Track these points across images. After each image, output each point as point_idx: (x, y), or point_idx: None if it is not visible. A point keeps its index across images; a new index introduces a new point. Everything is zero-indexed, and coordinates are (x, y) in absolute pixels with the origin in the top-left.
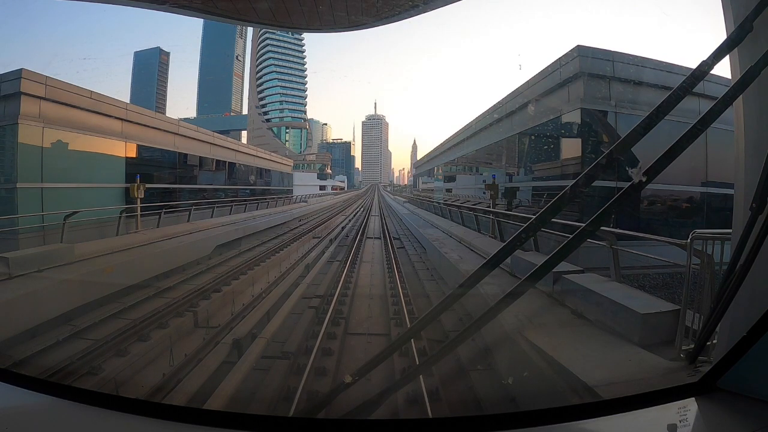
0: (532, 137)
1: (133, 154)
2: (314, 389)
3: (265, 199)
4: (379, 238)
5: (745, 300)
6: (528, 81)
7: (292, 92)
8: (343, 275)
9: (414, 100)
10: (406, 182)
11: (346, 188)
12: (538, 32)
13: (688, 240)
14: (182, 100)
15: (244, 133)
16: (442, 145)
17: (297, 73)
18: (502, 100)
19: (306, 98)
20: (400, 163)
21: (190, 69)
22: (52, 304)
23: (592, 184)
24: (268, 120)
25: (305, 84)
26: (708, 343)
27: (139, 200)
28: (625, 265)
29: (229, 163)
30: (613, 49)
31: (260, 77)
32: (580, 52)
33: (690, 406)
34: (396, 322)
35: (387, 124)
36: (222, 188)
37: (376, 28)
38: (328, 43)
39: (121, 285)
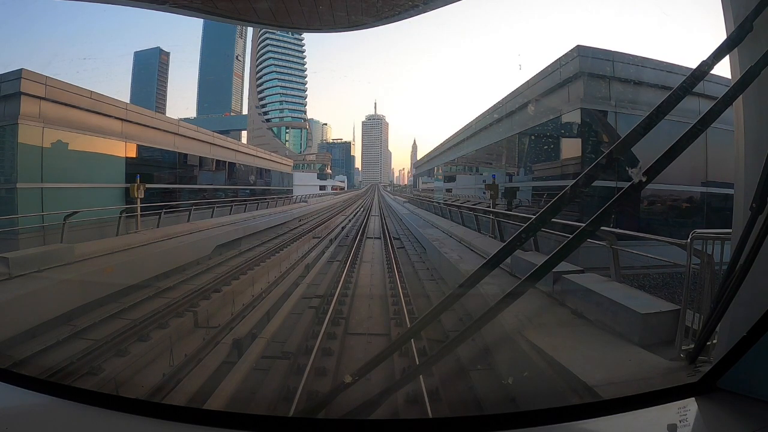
0: (532, 137)
1: (133, 154)
2: (314, 389)
3: (265, 199)
4: (379, 238)
5: (745, 300)
6: (528, 81)
7: (292, 92)
8: (343, 275)
9: (414, 100)
10: (406, 182)
11: (346, 188)
12: (538, 32)
13: (688, 240)
14: (182, 100)
15: (244, 133)
16: (442, 145)
17: (297, 73)
18: (502, 100)
19: (306, 98)
20: (400, 163)
21: (190, 69)
22: (52, 304)
23: (592, 184)
24: (268, 120)
25: (305, 84)
26: (708, 343)
27: (139, 200)
28: (625, 265)
29: (229, 163)
30: (613, 49)
31: (260, 77)
32: (580, 52)
33: (690, 406)
34: (396, 322)
35: (387, 124)
36: (222, 188)
37: (376, 28)
38: (328, 43)
39: (121, 285)
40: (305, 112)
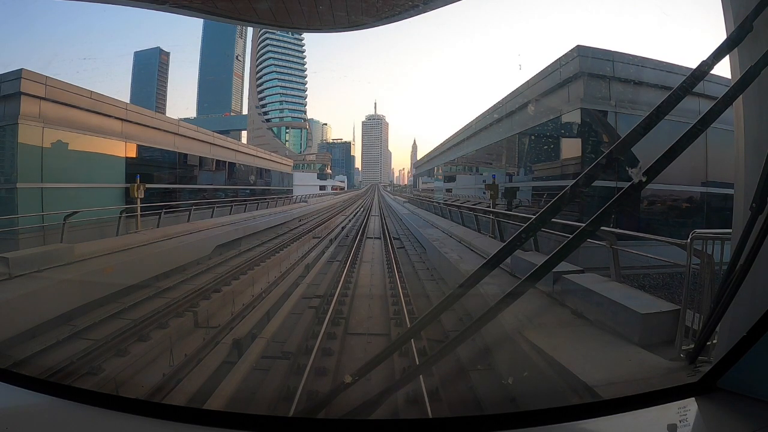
0: (532, 137)
1: (133, 154)
2: (314, 389)
3: (265, 199)
4: (379, 238)
5: (745, 300)
6: (528, 81)
7: (292, 92)
8: (343, 275)
9: (414, 100)
10: (406, 182)
11: (346, 188)
12: (538, 32)
13: (688, 240)
14: (182, 100)
15: (244, 133)
16: (442, 145)
17: (297, 73)
18: (502, 100)
19: (306, 98)
20: (400, 163)
21: (190, 69)
22: (52, 304)
23: (592, 184)
24: (268, 120)
25: (305, 84)
26: (708, 343)
27: (139, 200)
28: (625, 265)
29: (229, 163)
30: (613, 49)
31: (260, 77)
32: (580, 52)
33: (690, 406)
34: (396, 322)
35: (387, 124)
36: (222, 188)
37: (376, 28)
38: (328, 43)
39: (121, 285)
40: (305, 112)
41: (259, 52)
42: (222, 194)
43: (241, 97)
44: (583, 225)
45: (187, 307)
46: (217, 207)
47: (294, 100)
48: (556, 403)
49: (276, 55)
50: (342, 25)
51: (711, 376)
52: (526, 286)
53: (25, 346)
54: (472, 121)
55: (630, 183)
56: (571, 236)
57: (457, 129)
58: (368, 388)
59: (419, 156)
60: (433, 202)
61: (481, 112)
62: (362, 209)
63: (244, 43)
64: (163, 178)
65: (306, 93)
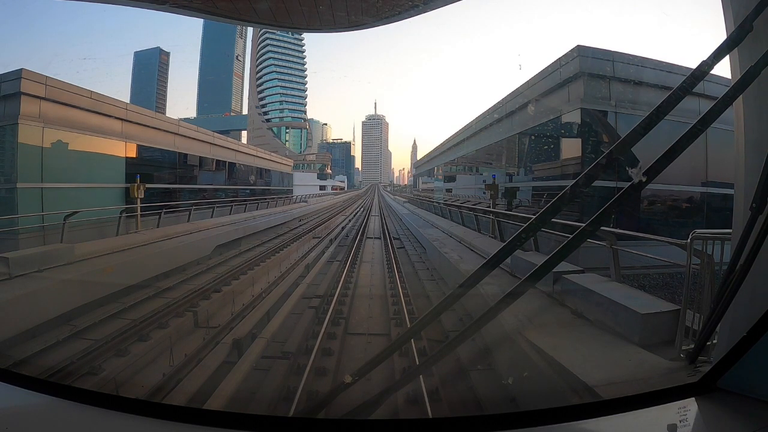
0: (532, 137)
1: (133, 154)
2: (314, 389)
3: (265, 199)
4: (379, 238)
5: (745, 300)
6: (528, 81)
7: (292, 92)
8: (343, 275)
9: (414, 100)
10: (406, 182)
11: (346, 188)
12: (538, 32)
13: (688, 240)
14: (182, 100)
15: (244, 133)
16: (442, 145)
17: (297, 73)
18: (502, 100)
19: (306, 98)
20: (400, 163)
21: (190, 69)
22: (52, 304)
23: (592, 184)
24: (268, 120)
25: (305, 84)
26: (708, 343)
27: (139, 200)
28: (625, 265)
29: (229, 163)
30: (613, 49)
31: (260, 77)
32: (580, 52)
33: (690, 406)
34: (396, 322)
35: (387, 124)
36: (222, 188)
37: (376, 28)
38: (328, 43)
39: (121, 285)
40: (305, 112)
41: (259, 52)
42: (222, 194)
43: (241, 97)
44: (583, 225)
45: (187, 307)
46: (217, 207)
47: (294, 100)
48: (556, 403)
49: (276, 55)
50: (342, 25)
51: (711, 376)
52: (526, 286)
53: (25, 346)
54: (472, 121)
55: (630, 183)
56: (571, 236)
57: (457, 129)
58: (368, 388)
59: (419, 156)
60: (433, 202)
61: (481, 112)
62: (362, 209)
63: (244, 43)
64: (163, 178)
65: (306, 93)
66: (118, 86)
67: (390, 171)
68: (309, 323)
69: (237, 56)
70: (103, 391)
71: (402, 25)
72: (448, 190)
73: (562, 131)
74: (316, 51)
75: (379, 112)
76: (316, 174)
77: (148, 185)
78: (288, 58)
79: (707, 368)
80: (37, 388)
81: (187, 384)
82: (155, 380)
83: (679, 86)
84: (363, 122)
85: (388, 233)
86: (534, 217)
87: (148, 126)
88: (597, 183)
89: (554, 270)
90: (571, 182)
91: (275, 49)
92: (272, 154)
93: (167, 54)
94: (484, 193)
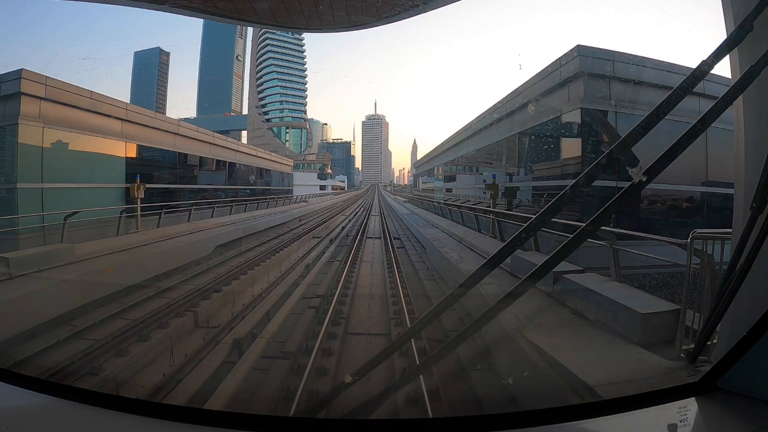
0: (532, 137)
1: (133, 154)
2: (314, 389)
3: (265, 199)
4: (380, 238)
5: (745, 300)
6: (528, 81)
7: (292, 92)
8: (344, 275)
9: (414, 100)
10: (406, 182)
11: (346, 188)
12: (538, 32)
13: (688, 240)
14: (182, 100)
15: (244, 133)
16: (442, 145)
17: (297, 73)
18: (502, 100)
19: (306, 98)
20: (400, 163)
21: (190, 69)
22: (52, 304)
23: (592, 184)
24: (268, 120)
25: (305, 84)
26: (708, 342)
27: (139, 200)
28: (625, 265)
29: (229, 163)
30: (613, 49)
31: (260, 77)
32: (580, 51)
33: (690, 406)
34: (396, 322)
35: (387, 124)
36: (222, 188)
37: (376, 28)
38: (328, 43)
39: (121, 285)
40: (305, 112)
41: (259, 52)
42: (222, 194)
43: (241, 97)
44: (583, 225)
45: (187, 307)
46: (217, 207)
47: (294, 100)
48: (556, 403)
49: (276, 55)
50: (342, 25)
51: (711, 376)
52: (526, 286)
53: (25, 346)
54: (472, 121)
55: (630, 183)
56: (571, 236)
57: (457, 129)
58: (368, 388)
59: (419, 156)
60: (433, 201)
61: (481, 112)
62: (362, 209)
63: (244, 43)
64: (163, 178)
65: (306, 93)
66: (118, 86)
67: (390, 171)
68: (309, 323)
69: (237, 56)
70: (104, 391)
71: (402, 25)
72: (449, 190)
73: (562, 131)
74: (316, 51)
75: (379, 112)
76: (316, 174)
77: (148, 185)
78: (288, 58)
79: (707, 368)
80: (37, 388)
81: (187, 384)
82: (155, 380)
83: (679, 86)
84: (363, 122)
85: (388, 233)
86: (534, 216)
87: (148, 126)
88: (597, 183)
89: (554, 270)
90: (571, 182)
91: (275, 49)
92: (272, 154)
93: (167, 54)
94: (484, 192)
